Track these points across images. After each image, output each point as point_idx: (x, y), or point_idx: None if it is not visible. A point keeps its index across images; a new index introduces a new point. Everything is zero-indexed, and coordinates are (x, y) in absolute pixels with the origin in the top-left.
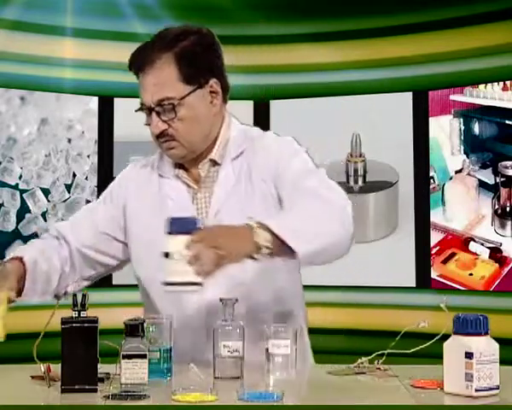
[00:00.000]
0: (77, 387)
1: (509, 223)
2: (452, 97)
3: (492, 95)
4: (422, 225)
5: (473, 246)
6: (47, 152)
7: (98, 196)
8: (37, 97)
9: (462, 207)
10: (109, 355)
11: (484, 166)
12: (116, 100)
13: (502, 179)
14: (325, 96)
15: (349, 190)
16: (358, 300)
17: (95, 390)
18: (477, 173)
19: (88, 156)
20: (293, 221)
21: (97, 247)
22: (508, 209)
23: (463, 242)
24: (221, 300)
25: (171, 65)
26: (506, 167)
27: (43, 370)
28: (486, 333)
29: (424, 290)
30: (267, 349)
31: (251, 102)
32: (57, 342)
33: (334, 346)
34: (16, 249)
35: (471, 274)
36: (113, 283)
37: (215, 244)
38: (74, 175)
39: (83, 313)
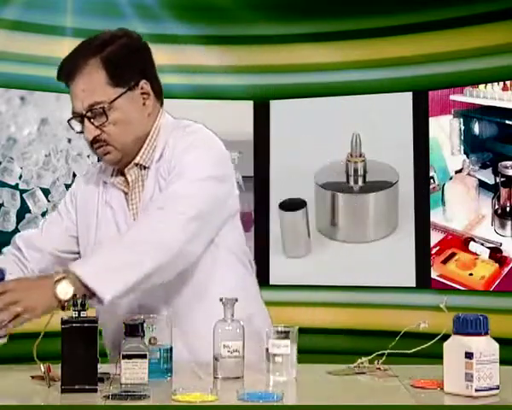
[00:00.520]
0: (77, 387)
1: (509, 223)
2: (452, 97)
3: (492, 95)
4: (422, 225)
5: (473, 246)
6: (47, 152)
7: None
8: (37, 97)
9: (462, 207)
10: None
11: (484, 166)
12: None
13: (502, 179)
14: (325, 96)
15: (349, 190)
16: (358, 300)
17: (95, 390)
18: (477, 173)
19: (88, 156)
20: (108, 260)
21: (71, 249)
22: (508, 209)
23: (463, 242)
24: (221, 300)
25: (98, 70)
26: (506, 167)
27: (43, 370)
28: (486, 333)
29: (424, 290)
30: (267, 349)
31: (251, 102)
32: (57, 342)
33: (334, 346)
34: None
35: (471, 274)
36: None
37: (13, 300)
38: (74, 175)
39: (83, 313)
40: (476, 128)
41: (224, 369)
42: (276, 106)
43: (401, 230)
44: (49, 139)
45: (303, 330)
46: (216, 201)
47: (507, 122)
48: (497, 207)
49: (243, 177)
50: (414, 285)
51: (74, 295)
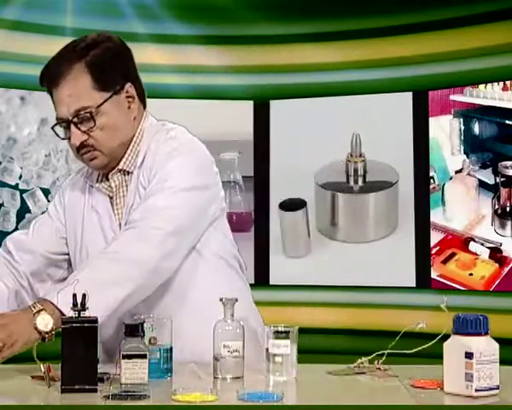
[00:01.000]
0: (77, 387)
1: (508, 223)
2: (452, 97)
3: (492, 95)
4: (422, 225)
5: (473, 246)
6: (47, 152)
7: None
8: (37, 97)
9: (462, 207)
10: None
11: (484, 166)
12: None
13: (502, 179)
14: (325, 96)
15: (349, 190)
16: (358, 300)
17: (95, 390)
18: (477, 173)
19: None
20: (86, 285)
21: (62, 250)
22: (508, 209)
23: (463, 242)
24: (221, 300)
25: (84, 74)
26: (506, 167)
27: (43, 370)
28: (486, 333)
29: (424, 290)
30: (267, 349)
31: (251, 102)
32: (57, 342)
33: (334, 346)
34: None
35: (471, 274)
36: None
37: None
38: None
39: (83, 313)
40: (476, 128)
41: (224, 369)
42: (276, 106)
43: (401, 230)
44: (49, 139)
45: (303, 330)
46: (199, 211)
47: (507, 122)
48: (497, 207)
49: (243, 177)
50: (414, 285)
51: (74, 295)
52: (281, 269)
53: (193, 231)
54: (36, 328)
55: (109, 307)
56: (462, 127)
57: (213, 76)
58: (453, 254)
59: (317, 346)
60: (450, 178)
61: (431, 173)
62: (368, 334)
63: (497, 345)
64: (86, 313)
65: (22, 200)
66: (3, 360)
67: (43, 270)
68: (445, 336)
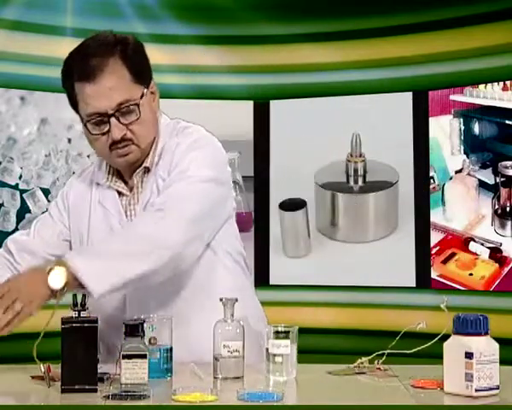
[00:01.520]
0: (77, 387)
1: (508, 223)
2: (452, 97)
3: (492, 95)
4: (422, 225)
5: (473, 246)
6: (47, 152)
7: None
8: (37, 97)
9: (462, 207)
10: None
11: (484, 166)
12: None
13: (502, 179)
14: (325, 96)
15: (349, 190)
16: (358, 300)
17: (95, 390)
18: (477, 173)
19: (88, 156)
20: (103, 254)
21: (64, 252)
22: (508, 209)
23: (463, 242)
24: (221, 299)
25: (121, 68)
26: (506, 167)
27: (43, 370)
28: (486, 333)
29: (424, 290)
30: (267, 349)
31: (251, 102)
32: (57, 342)
33: (334, 346)
34: None
35: (471, 274)
36: None
37: (11, 300)
38: None
39: (83, 313)
40: (476, 128)
41: (224, 369)
42: (276, 106)
43: (401, 230)
44: (49, 139)
45: (303, 330)
46: (219, 202)
47: (507, 122)
48: (497, 207)
49: (243, 177)
50: (414, 285)
51: (74, 295)
52: (281, 269)
53: (212, 221)
54: (48, 286)
55: (125, 276)
56: (462, 127)
57: (213, 76)
58: (453, 254)
59: (317, 346)
60: (450, 178)
61: (431, 173)
62: (368, 334)
63: (497, 345)
64: (86, 313)
65: (22, 200)
66: (23, 321)
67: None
68: (445, 336)
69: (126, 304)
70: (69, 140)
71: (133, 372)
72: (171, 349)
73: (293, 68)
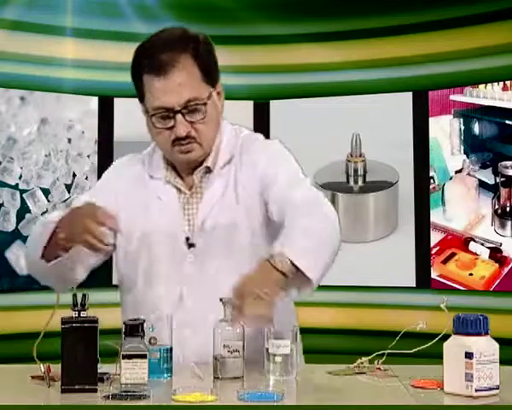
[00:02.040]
0: (77, 387)
1: (508, 223)
2: (452, 97)
3: (492, 95)
4: (422, 225)
5: (473, 246)
6: (47, 152)
7: None
8: (37, 97)
9: (462, 207)
10: (109, 355)
11: (484, 166)
12: (116, 100)
13: (502, 179)
14: (325, 96)
15: (349, 190)
16: (358, 300)
17: (95, 390)
18: (477, 173)
19: (88, 156)
20: (305, 247)
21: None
22: (508, 209)
23: (463, 242)
24: (221, 299)
25: (193, 66)
26: (506, 167)
27: (43, 370)
28: (486, 333)
29: (424, 290)
30: (267, 349)
31: (251, 102)
32: (57, 342)
33: (334, 346)
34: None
35: (471, 274)
36: (113, 283)
37: (258, 290)
38: (74, 175)
39: (83, 313)
40: (476, 128)
41: (224, 369)
42: (276, 106)
43: (401, 230)
44: (49, 139)
45: (303, 330)
46: None
47: (507, 122)
48: (497, 207)
49: None
50: (414, 285)
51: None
52: None
53: None
54: (282, 272)
55: (328, 263)
56: (462, 127)
57: None
58: (453, 255)
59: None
60: (450, 178)
61: (431, 173)
62: (368, 334)
63: (497, 345)
64: (86, 313)
65: (22, 200)
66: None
67: (77, 254)
68: (445, 336)
69: (184, 300)
70: (69, 140)
71: (133, 372)
72: (171, 349)
73: (293, 68)
